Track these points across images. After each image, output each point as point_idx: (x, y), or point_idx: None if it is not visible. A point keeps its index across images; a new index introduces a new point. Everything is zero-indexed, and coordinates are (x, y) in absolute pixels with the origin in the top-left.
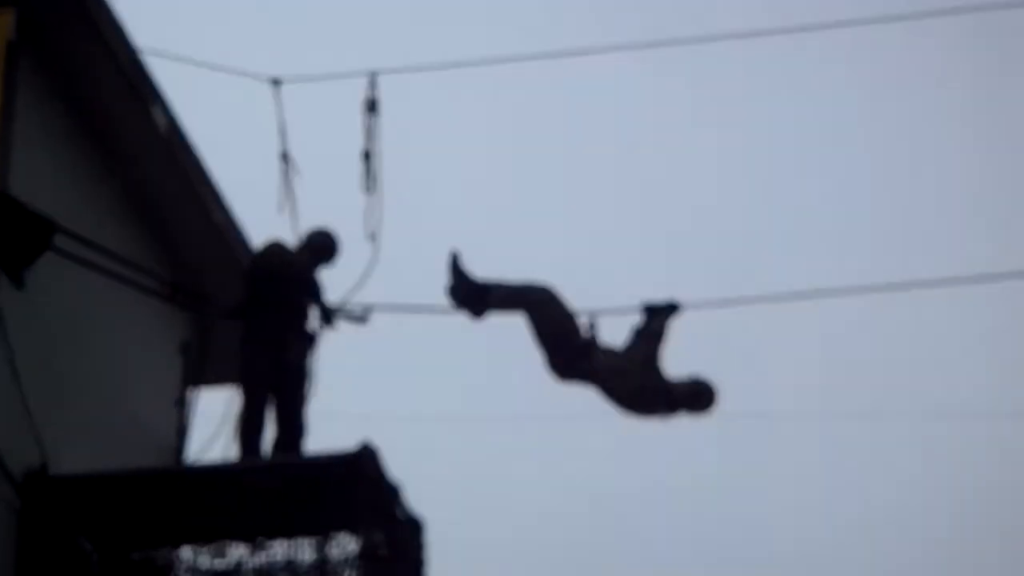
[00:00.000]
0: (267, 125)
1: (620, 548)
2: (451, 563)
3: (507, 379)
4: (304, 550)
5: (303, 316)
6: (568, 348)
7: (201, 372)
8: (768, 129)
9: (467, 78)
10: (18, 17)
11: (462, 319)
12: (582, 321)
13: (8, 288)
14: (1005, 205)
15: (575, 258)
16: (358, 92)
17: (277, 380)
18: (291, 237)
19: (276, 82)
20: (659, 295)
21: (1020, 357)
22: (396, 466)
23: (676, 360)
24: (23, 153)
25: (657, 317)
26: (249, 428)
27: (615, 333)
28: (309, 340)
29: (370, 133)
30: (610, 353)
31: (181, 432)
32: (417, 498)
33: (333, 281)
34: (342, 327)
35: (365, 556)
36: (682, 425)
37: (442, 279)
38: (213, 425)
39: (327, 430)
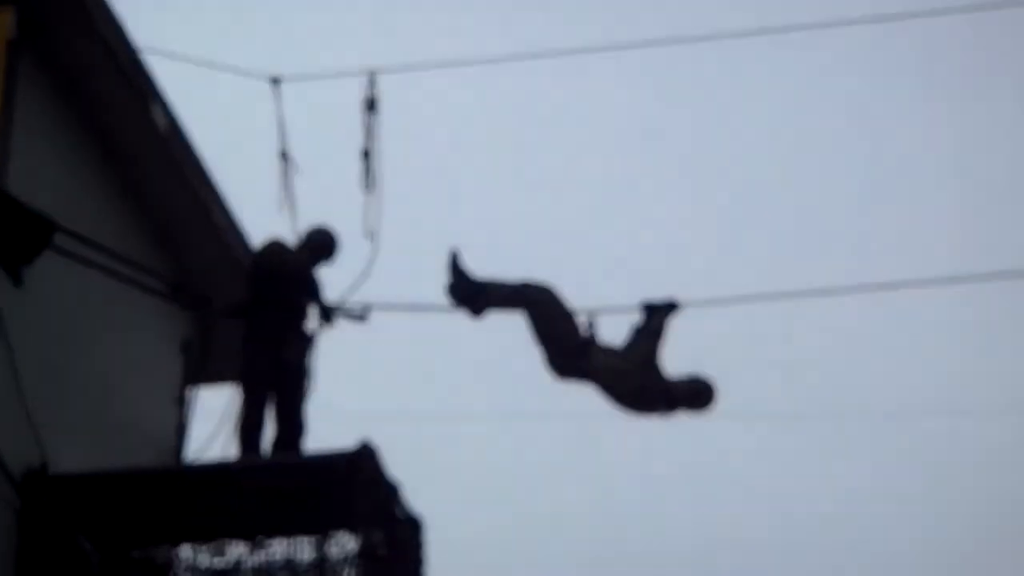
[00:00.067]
0: (266, 124)
1: (620, 547)
2: (450, 562)
3: (506, 378)
4: (303, 549)
5: (303, 315)
6: (567, 346)
7: (201, 371)
8: (768, 128)
9: (466, 77)
10: (18, 16)
11: (461, 318)
12: (581, 320)
13: (8, 286)
14: (1005, 203)
15: (574, 256)
16: (357, 91)
17: (277, 379)
18: (290, 235)
19: (275, 81)
20: (658, 293)
21: (1011, 354)
22: (395, 465)
23: (676, 358)
24: (23, 151)
25: (656, 315)
26: (249, 427)
27: (614, 332)
28: (308, 339)
29: (369, 132)
30: (609, 352)
31: (181, 431)
32: (416, 497)
33: (332, 279)
34: (341, 325)
35: (364, 555)
36: (680, 423)
37: (441, 277)
38: (213, 424)
39: (326, 429)
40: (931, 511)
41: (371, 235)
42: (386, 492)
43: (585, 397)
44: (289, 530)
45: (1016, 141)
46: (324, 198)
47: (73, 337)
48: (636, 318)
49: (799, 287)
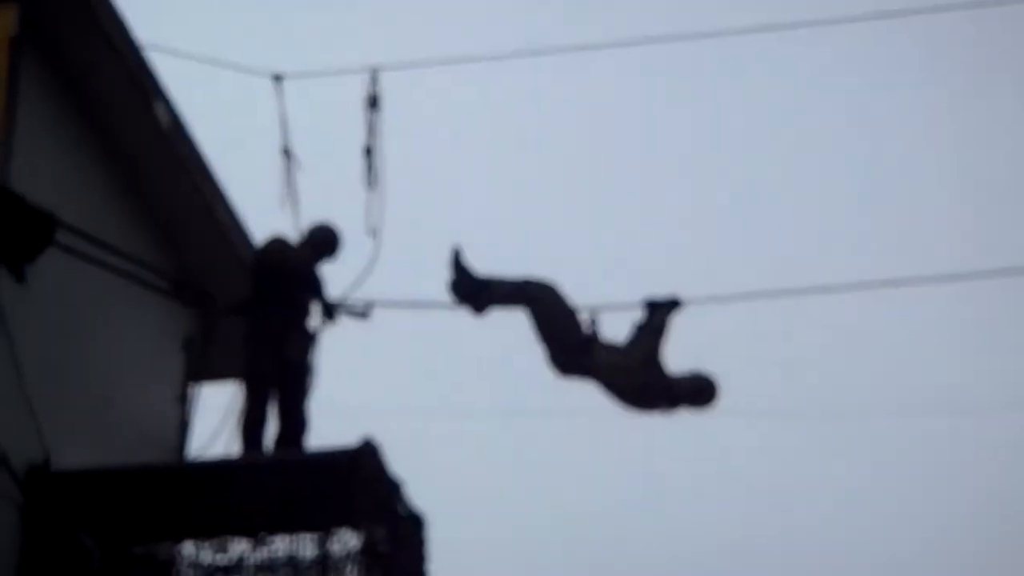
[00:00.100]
0: (269, 121)
1: (622, 544)
2: (453, 559)
3: (509, 375)
4: (306, 546)
5: (305, 312)
6: (569, 343)
7: (203, 368)
8: (770, 125)
9: (468, 74)
10: (21, 13)
11: (464, 315)
12: (583, 317)
13: (10, 283)
14: (1004, 201)
15: (576, 254)
16: (359, 88)
17: (279, 376)
18: (293, 232)
19: (278, 78)
20: (660, 290)
21: (1013, 352)
22: (397, 462)
23: (678, 355)
24: (25, 148)
25: (659, 313)
26: (251, 424)
27: (617, 329)
28: (311, 336)
29: (371, 129)
30: (611, 349)
31: (183, 428)
32: (418, 494)
33: (335, 276)
34: (343, 322)
35: (366, 552)
36: (684, 421)
37: (444, 275)
38: (215, 421)
39: (329, 426)
40: (931, 509)
41: (373, 232)
42: (388, 489)
43: (588, 394)
44: (291, 527)
45: (1018, 138)
46: (326, 195)
47: (76, 334)
48: (638, 315)
49: (800, 284)
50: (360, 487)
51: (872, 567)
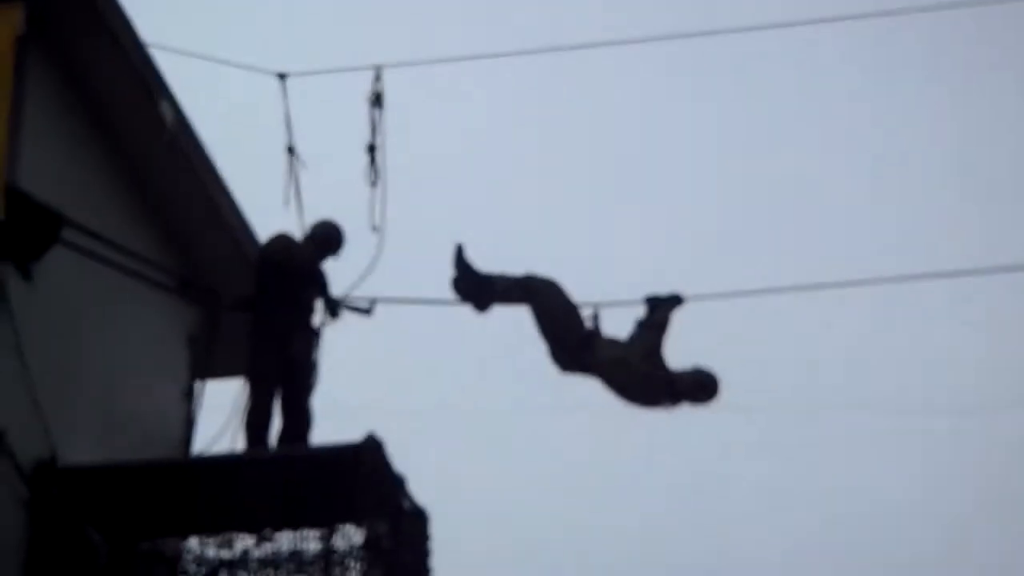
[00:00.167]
0: (273, 119)
1: (623, 542)
2: (455, 554)
3: (511, 372)
4: (309, 541)
5: (309, 309)
6: (571, 340)
7: (208, 364)
8: (770, 123)
9: (471, 72)
10: (27, 12)
11: (467, 311)
12: (585, 313)
13: (17, 281)
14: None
15: (578, 251)
16: (363, 86)
17: (284, 372)
18: (297, 230)
19: (282, 76)
20: (662, 287)
21: (1013, 351)
22: (401, 458)
23: (680, 352)
24: (31, 147)
25: (660, 309)
26: (256, 420)
27: (619, 325)
28: (315, 333)
29: (375, 127)
30: (613, 344)
31: (188, 424)
32: (421, 489)
33: (338, 273)
34: (347, 319)
35: (370, 547)
36: (683, 417)
37: (447, 271)
38: (220, 417)
39: (332, 422)
40: (932, 508)
41: (377, 229)
42: (392, 485)
43: (590, 391)
44: (295, 523)
45: (1019, 136)
46: (330, 192)
47: (82, 331)
48: (640, 312)
49: (800, 283)
50: (363, 483)
51: (875, 566)
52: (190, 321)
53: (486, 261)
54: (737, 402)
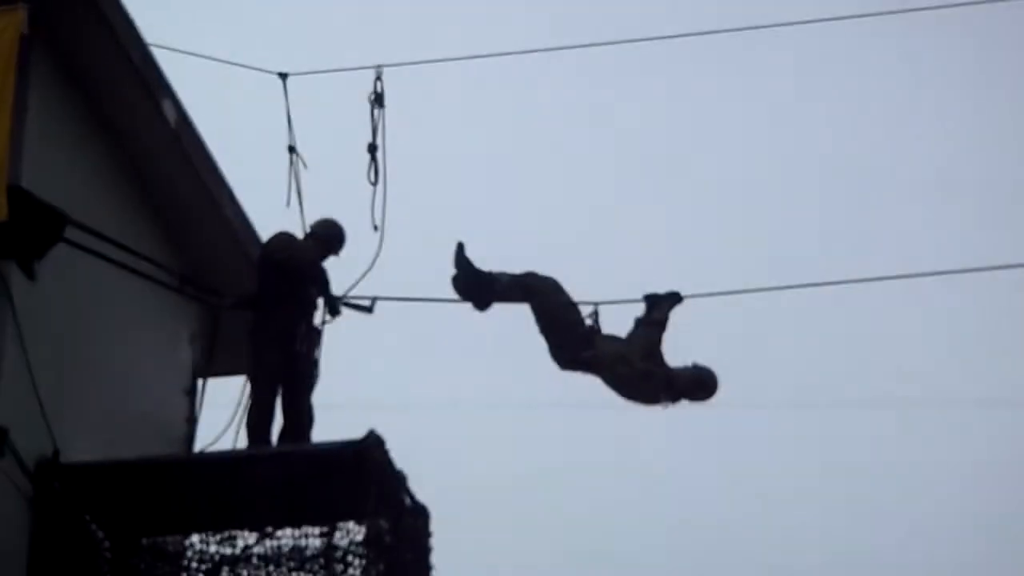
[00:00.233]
0: (275, 118)
1: (623, 540)
2: (456, 551)
3: (511, 368)
4: (311, 538)
5: (311, 307)
6: (571, 337)
7: (211, 362)
8: (771, 121)
9: (472, 72)
10: (30, 12)
11: (467, 309)
12: (585, 311)
13: (20, 279)
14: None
15: (579, 249)
16: (364, 86)
17: (285, 370)
18: (298, 229)
19: (283, 76)
20: (661, 286)
21: (1015, 345)
22: (402, 455)
23: (678, 350)
24: (35, 146)
25: (659, 307)
26: (257, 418)
27: (618, 323)
28: (316, 331)
29: (376, 126)
30: (613, 342)
31: (191, 421)
32: (422, 486)
33: (339, 272)
34: (348, 317)
35: (371, 544)
36: (685, 414)
37: (447, 270)
38: (222, 414)
39: (334, 419)
40: (931, 507)
41: (377, 228)
42: (393, 482)
43: (590, 387)
44: (297, 519)
45: (1020, 135)
46: (331, 192)
47: (84, 329)
48: (639, 310)
49: (799, 281)
50: (365, 480)
51: (876, 566)
52: (192, 319)
53: (486, 260)
54: (735, 398)
